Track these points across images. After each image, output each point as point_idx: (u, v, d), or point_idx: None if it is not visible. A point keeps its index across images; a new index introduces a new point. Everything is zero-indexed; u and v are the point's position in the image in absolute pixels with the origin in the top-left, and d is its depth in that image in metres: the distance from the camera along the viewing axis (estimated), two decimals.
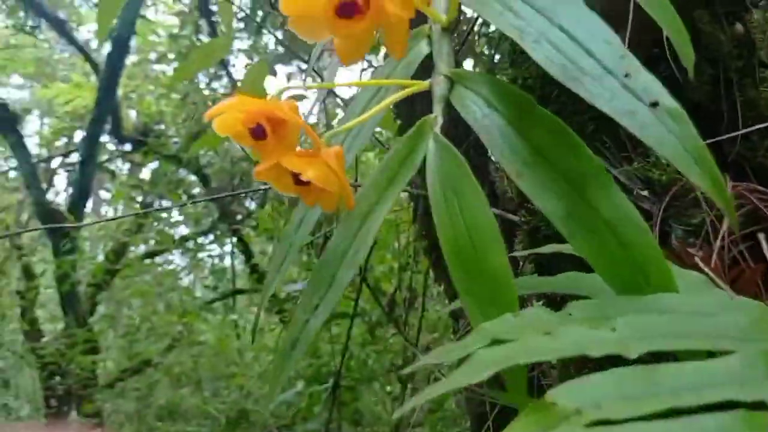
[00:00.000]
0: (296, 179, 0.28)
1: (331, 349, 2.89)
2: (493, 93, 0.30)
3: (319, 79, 1.96)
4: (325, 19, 0.26)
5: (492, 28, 1.43)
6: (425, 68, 0.33)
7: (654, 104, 0.26)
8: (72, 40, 5.59)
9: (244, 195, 6.06)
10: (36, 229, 4.94)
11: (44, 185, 6.59)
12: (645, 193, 0.51)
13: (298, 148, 0.31)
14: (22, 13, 5.65)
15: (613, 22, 0.45)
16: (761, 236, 0.44)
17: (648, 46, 0.51)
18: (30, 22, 5.87)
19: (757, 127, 0.52)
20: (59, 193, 7.88)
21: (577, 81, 0.27)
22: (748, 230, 0.46)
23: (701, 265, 0.42)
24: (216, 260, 6.67)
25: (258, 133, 0.29)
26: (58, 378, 4.57)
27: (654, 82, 0.26)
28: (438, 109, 0.31)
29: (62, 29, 5.50)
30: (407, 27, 0.27)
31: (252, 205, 6.20)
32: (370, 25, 0.26)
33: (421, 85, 0.31)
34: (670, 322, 0.24)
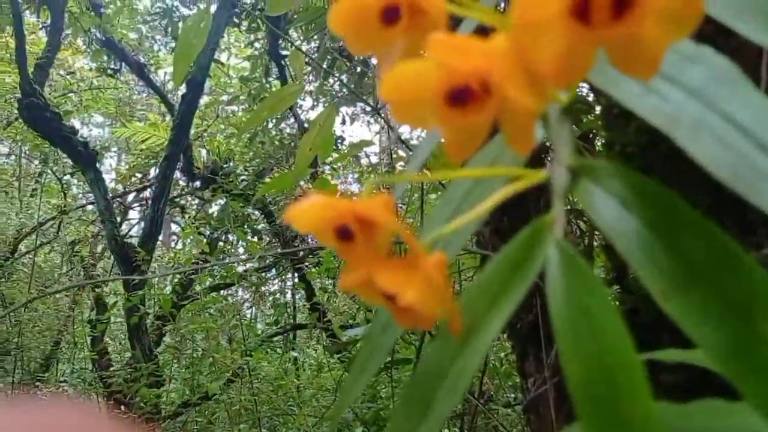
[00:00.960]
0: (390, 298, 0.23)
1: (391, 392, 2.83)
2: (629, 190, 0.24)
3: (387, 127, 1.93)
4: (434, 107, 0.22)
5: None
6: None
7: None
8: (150, 83, 5.86)
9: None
10: (114, 279, 5.10)
11: (118, 218, 6.86)
12: None
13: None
14: (105, 57, 5.96)
15: None
16: None
17: None
18: (112, 65, 6.19)
19: None
20: (133, 226, 8.19)
21: (753, 187, 0.21)
22: None
23: None
24: (277, 295, 6.75)
25: (344, 234, 0.25)
26: (123, 407, 4.65)
27: None
28: (558, 208, 0.25)
29: (141, 72, 5.77)
30: (535, 120, 0.22)
31: (314, 242, 6.24)
32: (488, 116, 0.21)
33: (536, 176, 0.26)
34: None
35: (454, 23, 0.34)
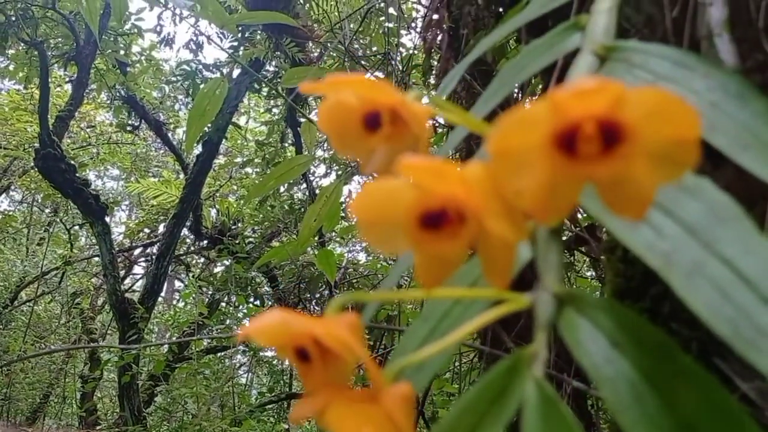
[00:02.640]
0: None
1: None
2: (620, 329, 0.22)
3: None
4: (406, 229, 0.20)
5: None
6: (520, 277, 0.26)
7: None
8: (167, 141, 5.96)
9: (310, 298, 6.07)
10: (111, 347, 5.06)
11: (123, 272, 6.83)
12: None
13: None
14: (126, 113, 6.09)
15: (745, 201, 0.36)
16: None
17: None
18: (132, 121, 6.32)
19: None
20: (137, 281, 8.16)
21: (754, 346, 0.19)
22: None
23: None
24: (275, 361, 6.62)
25: (303, 355, 0.23)
26: None
27: None
28: (540, 341, 0.23)
29: (159, 130, 5.88)
30: (514, 254, 0.20)
31: (317, 309, 6.18)
32: (463, 244, 0.20)
33: (520, 302, 0.24)
34: None
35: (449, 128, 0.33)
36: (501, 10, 1.22)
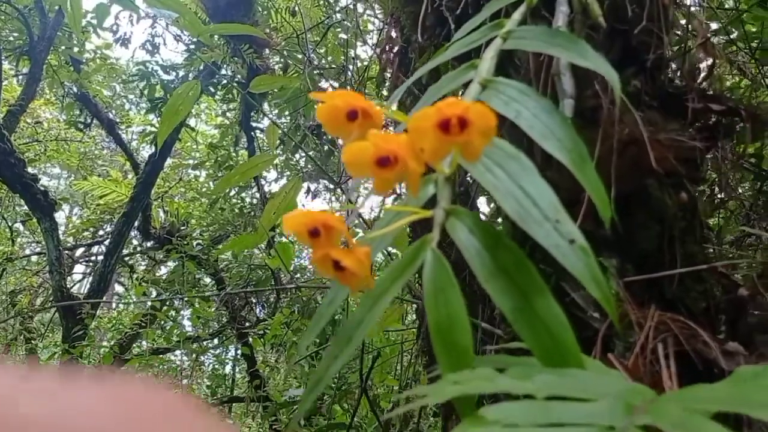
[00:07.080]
0: (336, 266, 0.42)
1: None
2: (474, 225, 0.44)
3: (351, 203, 2.13)
4: (369, 167, 0.41)
5: None
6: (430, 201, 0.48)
7: (571, 241, 0.40)
8: (119, 140, 5.99)
9: (255, 303, 6.15)
10: (50, 306, 5.05)
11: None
12: (596, 314, 0.64)
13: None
14: (78, 111, 6.08)
15: (579, 186, 0.60)
16: (660, 352, 0.56)
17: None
18: (82, 119, 6.30)
19: (689, 269, 0.65)
20: (77, 282, 8.04)
21: (527, 223, 0.41)
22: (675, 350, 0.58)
23: (618, 366, 0.55)
24: (216, 365, 6.65)
25: (314, 233, 0.44)
26: None
27: (574, 228, 0.40)
28: (436, 232, 0.45)
29: (112, 129, 5.90)
30: (420, 176, 0.41)
31: (262, 313, 6.27)
32: (397, 174, 0.41)
33: (427, 213, 0.46)
34: (569, 381, 0.36)
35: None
36: (441, 35, 1.45)
